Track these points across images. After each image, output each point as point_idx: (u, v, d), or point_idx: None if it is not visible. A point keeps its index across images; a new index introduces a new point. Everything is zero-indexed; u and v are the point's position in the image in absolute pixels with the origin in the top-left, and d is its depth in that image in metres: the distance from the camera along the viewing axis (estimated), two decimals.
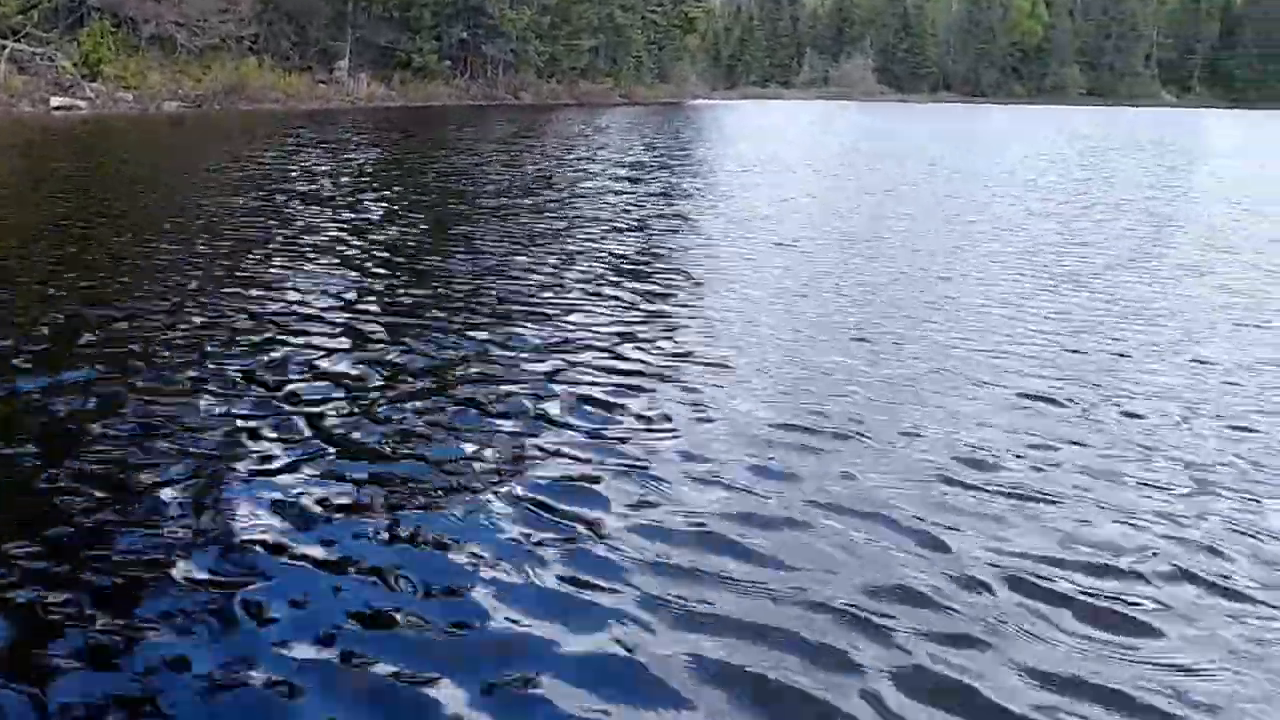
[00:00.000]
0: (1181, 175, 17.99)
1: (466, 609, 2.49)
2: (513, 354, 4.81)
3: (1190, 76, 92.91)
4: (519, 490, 3.18)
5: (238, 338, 4.92)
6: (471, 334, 5.17)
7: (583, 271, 6.99)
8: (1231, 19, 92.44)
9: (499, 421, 3.82)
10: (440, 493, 3.15)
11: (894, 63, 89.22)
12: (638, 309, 5.87)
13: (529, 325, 5.39)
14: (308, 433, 3.65)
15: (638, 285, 6.56)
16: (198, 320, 5.28)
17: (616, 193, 12.23)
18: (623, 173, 14.90)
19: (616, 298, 6.15)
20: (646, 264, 7.44)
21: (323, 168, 14.14)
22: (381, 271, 6.94)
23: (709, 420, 3.90)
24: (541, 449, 3.55)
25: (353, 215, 9.65)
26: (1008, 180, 15.57)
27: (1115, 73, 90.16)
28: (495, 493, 3.17)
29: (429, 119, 29.65)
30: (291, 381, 4.27)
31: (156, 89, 30.10)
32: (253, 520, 2.92)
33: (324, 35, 39.74)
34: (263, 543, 2.79)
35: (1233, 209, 12.42)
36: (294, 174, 13.16)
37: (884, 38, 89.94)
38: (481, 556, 2.75)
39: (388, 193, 11.72)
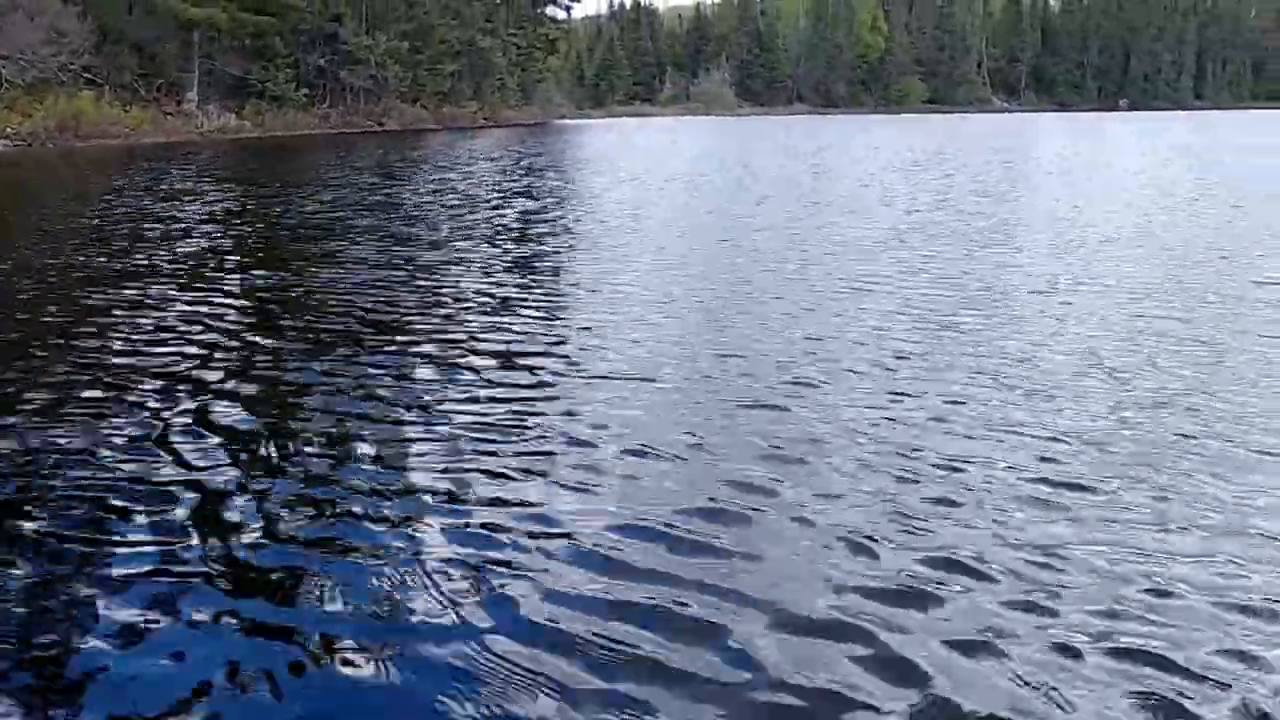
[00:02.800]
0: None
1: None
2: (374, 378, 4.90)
3: (1019, 83, 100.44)
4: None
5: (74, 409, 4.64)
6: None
7: (451, 303, 6.98)
8: (1050, 30, 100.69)
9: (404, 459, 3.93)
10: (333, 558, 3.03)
11: (750, 77, 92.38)
12: (513, 330, 6.04)
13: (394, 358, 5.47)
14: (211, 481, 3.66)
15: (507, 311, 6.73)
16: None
17: (456, 222, 12.27)
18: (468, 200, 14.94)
19: (492, 328, 6.22)
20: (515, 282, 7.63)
21: (156, 207, 13.46)
22: (240, 305, 6.83)
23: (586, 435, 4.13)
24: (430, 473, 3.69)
25: (183, 257, 9.36)
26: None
27: (952, 81, 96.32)
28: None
29: (278, 149, 28.55)
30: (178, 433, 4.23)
31: None
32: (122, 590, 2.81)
33: (172, 66, 37.98)
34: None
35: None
36: (124, 216, 12.49)
37: (739, 54, 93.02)
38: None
39: (220, 232, 11.37)
